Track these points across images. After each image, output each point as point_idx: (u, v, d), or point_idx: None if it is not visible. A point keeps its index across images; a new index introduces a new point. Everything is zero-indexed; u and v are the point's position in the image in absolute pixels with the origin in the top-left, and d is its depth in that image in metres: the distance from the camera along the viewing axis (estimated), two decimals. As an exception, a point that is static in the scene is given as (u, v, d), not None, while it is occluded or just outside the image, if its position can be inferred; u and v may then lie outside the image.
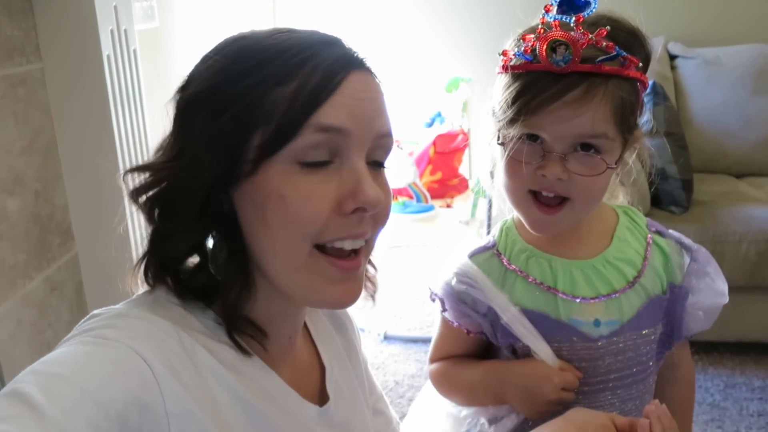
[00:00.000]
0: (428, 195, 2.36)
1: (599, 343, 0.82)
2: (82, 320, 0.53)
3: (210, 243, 0.58)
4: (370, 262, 0.68)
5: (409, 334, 2.31)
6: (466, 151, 2.53)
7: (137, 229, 1.24)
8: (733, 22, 2.57)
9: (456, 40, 2.69)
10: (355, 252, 0.57)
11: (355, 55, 0.56)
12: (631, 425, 0.66)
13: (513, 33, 0.79)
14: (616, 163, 0.78)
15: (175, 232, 0.54)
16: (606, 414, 0.67)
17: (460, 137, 2.48)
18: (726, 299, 0.87)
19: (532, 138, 0.76)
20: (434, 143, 2.44)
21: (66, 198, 1.24)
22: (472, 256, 0.87)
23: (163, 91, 1.52)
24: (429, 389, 0.98)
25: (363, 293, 0.63)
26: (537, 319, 0.82)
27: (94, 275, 1.29)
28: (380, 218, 0.58)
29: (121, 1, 1.22)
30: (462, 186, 2.50)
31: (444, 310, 0.87)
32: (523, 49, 0.74)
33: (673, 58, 2.55)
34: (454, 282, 0.85)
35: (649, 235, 0.88)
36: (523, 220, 0.83)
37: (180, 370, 0.50)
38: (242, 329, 0.56)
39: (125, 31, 1.24)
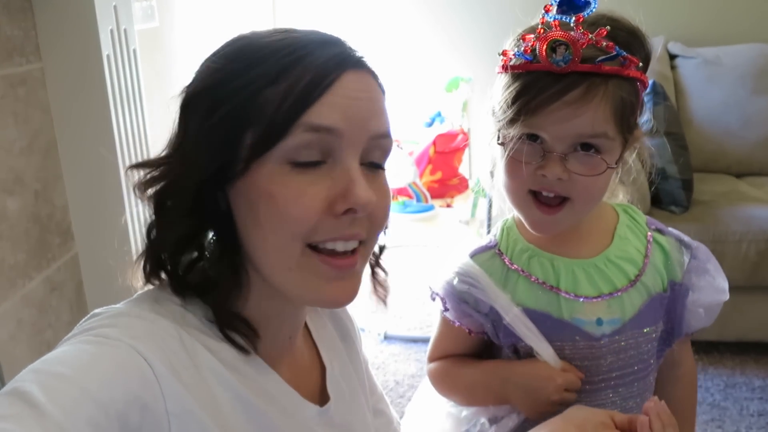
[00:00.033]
0: (428, 195, 2.36)
1: (601, 342, 0.82)
2: (83, 319, 0.53)
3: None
4: (379, 265, 0.68)
5: (410, 334, 2.31)
6: (466, 150, 2.53)
7: (137, 229, 1.24)
8: (733, 22, 2.57)
9: (456, 40, 2.69)
10: (351, 251, 0.56)
11: (352, 54, 0.55)
12: (630, 422, 0.66)
13: (513, 33, 0.79)
14: (616, 163, 0.78)
15: (166, 225, 0.55)
16: (605, 411, 0.68)
17: (460, 137, 2.48)
18: (726, 296, 0.87)
19: (532, 138, 0.76)
20: (434, 143, 2.44)
21: (66, 198, 1.24)
22: (474, 255, 0.87)
23: (162, 91, 1.52)
24: (426, 388, 0.98)
25: (375, 298, 0.63)
26: (539, 318, 0.82)
27: (93, 275, 1.29)
28: (376, 220, 0.57)
29: (120, 1, 1.22)
30: (462, 186, 2.50)
31: (446, 309, 0.87)
32: (522, 49, 0.74)
33: (673, 57, 2.55)
34: (456, 282, 0.85)
35: (649, 233, 0.88)
36: (523, 220, 0.83)
37: (180, 370, 0.50)
38: (235, 327, 0.56)
39: (125, 30, 1.24)
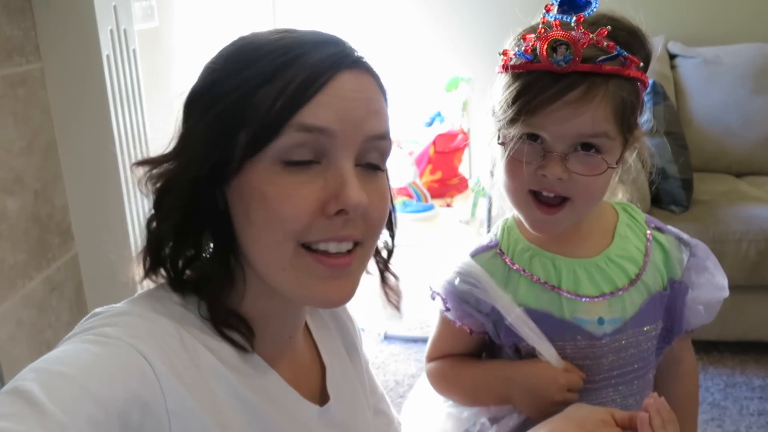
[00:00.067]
0: (428, 194, 2.36)
1: (603, 341, 0.82)
2: (84, 319, 0.53)
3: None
4: (389, 269, 0.68)
5: (410, 333, 2.31)
6: (466, 150, 2.53)
7: (137, 229, 1.24)
8: (733, 21, 2.57)
9: (456, 40, 2.69)
10: (346, 252, 0.56)
11: (350, 54, 0.55)
12: (631, 419, 0.66)
13: (513, 32, 0.79)
14: (616, 163, 0.78)
15: (163, 218, 0.56)
16: (605, 409, 0.68)
17: (459, 137, 2.48)
18: (726, 293, 0.87)
19: (533, 138, 0.76)
20: (434, 143, 2.44)
21: (66, 198, 1.24)
22: (475, 255, 0.87)
23: (162, 91, 1.52)
24: (422, 388, 0.98)
25: (387, 303, 0.63)
26: (541, 318, 0.82)
27: (93, 275, 1.28)
28: (372, 221, 0.57)
29: (120, 1, 1.22)
30: (462, 185, 2.50)
31: (447, 309, 0.87)
32: (523, 48, 0.74)
33: (672, 57, 2.54)
34: (457, 282, 0.85)
35: (649, 232, 0.88)
36: (523, 220, 0.83)
37: (181, 369, 0.51)
38: (231, 324, 0.57)
39: (125, 30, 1.24)
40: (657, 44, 2.44)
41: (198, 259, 0.58)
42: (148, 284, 0.59)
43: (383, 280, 0.68)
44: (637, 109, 0.77)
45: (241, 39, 0.57)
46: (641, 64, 0.74)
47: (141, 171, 0.57)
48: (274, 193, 0.52)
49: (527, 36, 0.74)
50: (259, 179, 0.53)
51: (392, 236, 0.69)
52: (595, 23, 0.71)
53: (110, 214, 1.22)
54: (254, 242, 0.55)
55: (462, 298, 0.85)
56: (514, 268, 0.85)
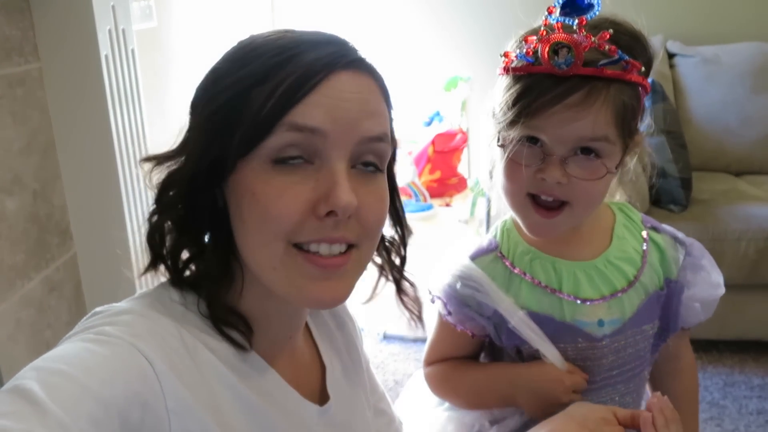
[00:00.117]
0: (427, 194, 2.36)
1: (603, 343, 0.82)
2: (84, 318, 0.53)
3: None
4: (405, 278, 0.67)
5: (409, 333, 2.31)
6: (465, 150, 2.53)
7: (135, 229, 1.24)
8: (732, 20, 2.57)
9: (455, 39, 2.69)
10: (339, 254, 0.55)
11: (347, 54, 0.54)
12: (633, 418, 0.66)
13: (512, 32, 0.78)
14: (616, 168, 0.77)
15: (161, 212, 0.56)
16: (607, 407, 0.68)
17: (458, 136, 2.48)
18: (722, 290, 0.88)
19: (532, 140, 0.75)
20: (433, 142, 2.43)
21: (64, 198, 1.24)
22: (475, 258, 0.86)
23: (161, 91, 1.51)
24: (412, 392, 0.98)
25: (407, 315, 0.62)
26: (542, 321, 0.82)
27: (92, 275, 1.28)
28: (367, 224, 0.56)
29: (119, 1, 1.22)
30: (461, 185, 2.50)
31: (448, 314, 0.86)
32: (524, 50, 0.74)
33: (671, 56, 2.54)
34: (458, 286, 0.84)
35: (645, 232, 0.88)
36: (521, 223, 0.83)
37: (181, 368, 0.51)
38: (230, 322, 0.57)
39: (123, 30, 1.24)
40: (656, 43, 2.44)
41: (199, 256, 0.58)
42: (147, 280, 0.59)
43: (399, 291, 0.67)
44: (637, 114, 0.77)
45: (244, 40, 0.57)
46: (643, 69, 0.73)
47: (147, 166, 0.57)
48: (265, 193, 0.52)
49: (529, 38, 0.74)
50: (252, 178, 0.53)
51: (404, 243, 0.68)
52: (597, 26, 0.71)
53: (109, 214, 1.22)
54: (247, 241, 0.55)
55: (463, 301, 0.85)
56: (515, 271, 0.85)
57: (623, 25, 0.75)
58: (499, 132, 0.78)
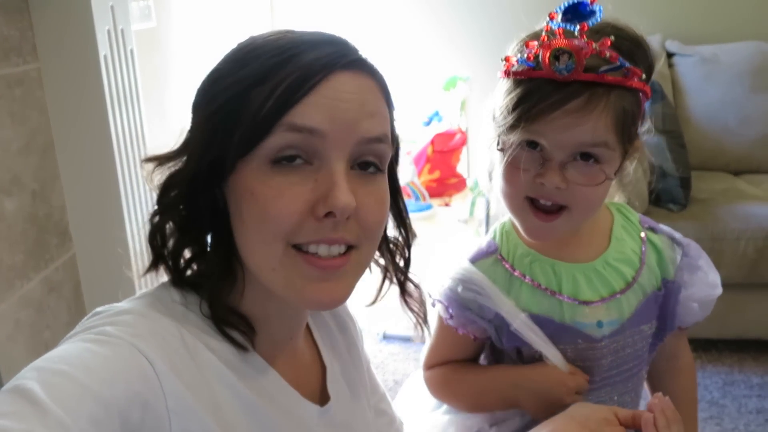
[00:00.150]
0: (426, 194, 2.36)
1: (602, 343, 0.82)
2: (85, 318, 0.53)
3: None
4: (409, 279, 0.67)
5: (409, 333, 2.31)
6: (464, 149, 2.53)
7: (134, 229, 1.24)
8: (731, 20, 2.57)
9: (454, 39, 2.68)
10: (338, 255, 0.55)
11: (347, 55, 0.54)
12: (634, 418, 0.66)
13: (512, 32, 0.78)
14: (615, 174, 0.77)
15: (162, 212, 0.57)
16: (608, 408, 0.68)
17: (458, 136, 2.48)
18: (719, 290, 0.88)
19: (532, 145, 0.75)
20: (432, 142, 2.43)
21: (63, 198, 1.24)
22: (475, 261, 0.86)
23: (160, 91, 1.51)
24: (408, 395, 0.98)
25: (411, 320, 0.63)
26: (542, 323, 0.82)
27: (92, 275, 1.28)
28: (367, 225, 0.56)
29: (117, 1, 1.22)
30: (460, 185, 2.50)
31: (450, 317, 0.86)
32: (525, 55, 0.73)
33: (670, 55, 2.54)
34: (460, 289, 0.84)
35: (643, 233, 0.88)
36: (519, 226, 0.83)
37: (181, 368, 0.51)
38: (231, 322, 0.57)
39: (122, 31, 1.24)
40: (654, 43, 2.44)
41: (200, 257, 0.58)
42: (147, 280, 0.59)
43: (403, 293, 0.67)
44: (637, 120, 0.77)
45: (243, 41, 0.57)
46: (644, 75, 0.73)
47: (149, 167, 0.57)
48: (263, 193, 0.52)
49: (530, 43, 0.73)
50: (251, 179, 0.53)
51: (407, 245, 0.67)
52: (599, 32, 0.71)
53: (108, 214, 1.22)
54: (247, 241, 0.55)
55: (465, 305, 0.84)
56: (515, 274, 0.85)
57: (625, 31, 0.74)
58: (498, 135, 0.78)
